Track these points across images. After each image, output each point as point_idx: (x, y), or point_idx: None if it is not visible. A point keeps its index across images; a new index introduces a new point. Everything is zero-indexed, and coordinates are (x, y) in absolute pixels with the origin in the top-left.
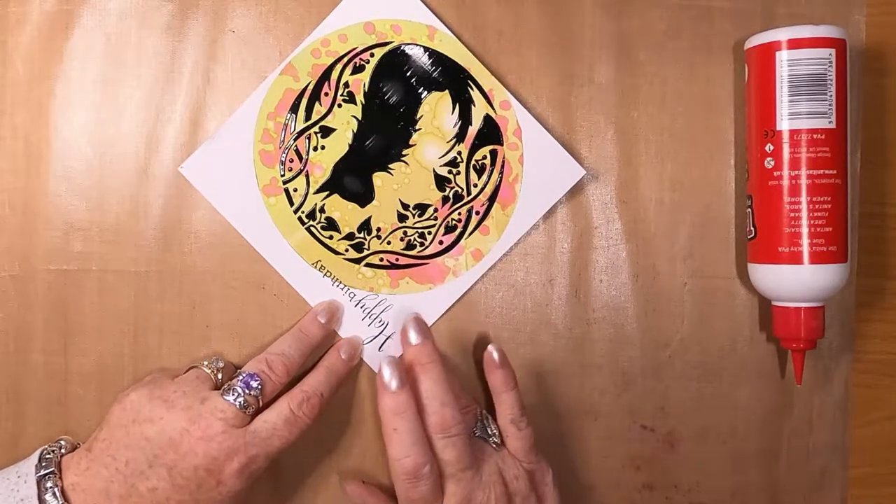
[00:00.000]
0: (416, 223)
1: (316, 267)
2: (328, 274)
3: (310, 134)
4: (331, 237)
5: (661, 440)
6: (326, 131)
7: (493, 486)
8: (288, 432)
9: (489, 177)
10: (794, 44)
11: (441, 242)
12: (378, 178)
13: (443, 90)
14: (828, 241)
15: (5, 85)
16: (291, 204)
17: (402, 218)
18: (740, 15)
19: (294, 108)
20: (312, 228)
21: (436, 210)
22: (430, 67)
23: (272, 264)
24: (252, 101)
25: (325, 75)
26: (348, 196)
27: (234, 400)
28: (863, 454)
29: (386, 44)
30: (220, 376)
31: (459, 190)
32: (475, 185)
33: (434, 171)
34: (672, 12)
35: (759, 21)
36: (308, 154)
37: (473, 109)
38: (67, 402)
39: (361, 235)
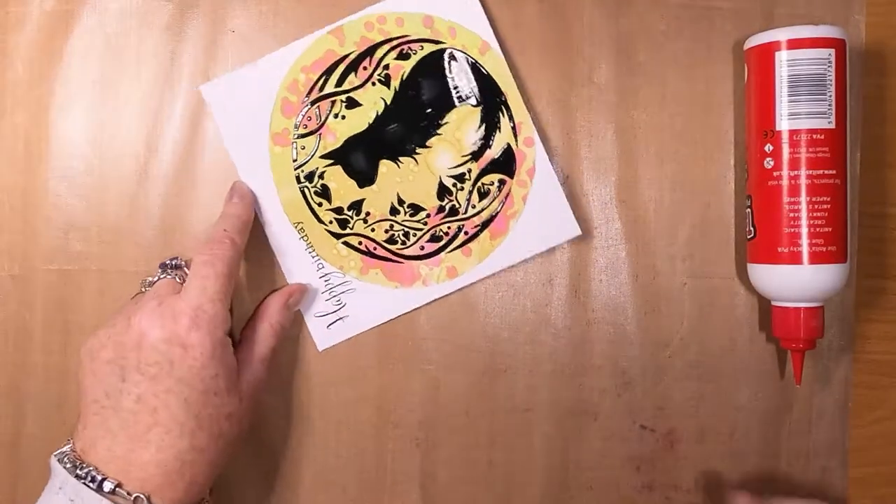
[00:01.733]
0: (404, 221)
1: (296, 227)
2: (305, 237)
3: (335, 100)
4: (320, 204)
5: (661, 440)
6: (352, 103)
7: None
8: (211, 269)
9: (490, 203)
10: (794, 44)
11: (422, 248)
12: (384, 166)
13: (475, 106)
14: (827, 241)
15: (5, 85)
16: (294, 160)
17: (393, 211)
18: (740, 15)
19: (329, 71)
20: (306, 190)
21: (428, 215)
22: (471, 80)
23: (255, 210)
24: (291, 49)
25: (370, 51)
26: (350, 172)
27: (156, 278)
28: (863, 454)
29: (438, 42)
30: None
31: (457, 205)
32: (473, 206)
33: (440, 178)
34: (672, 12)
35: (758, 21)
36: (327, 119)
37: (497, 135)
38: (67, 402)
39: (349, 213)
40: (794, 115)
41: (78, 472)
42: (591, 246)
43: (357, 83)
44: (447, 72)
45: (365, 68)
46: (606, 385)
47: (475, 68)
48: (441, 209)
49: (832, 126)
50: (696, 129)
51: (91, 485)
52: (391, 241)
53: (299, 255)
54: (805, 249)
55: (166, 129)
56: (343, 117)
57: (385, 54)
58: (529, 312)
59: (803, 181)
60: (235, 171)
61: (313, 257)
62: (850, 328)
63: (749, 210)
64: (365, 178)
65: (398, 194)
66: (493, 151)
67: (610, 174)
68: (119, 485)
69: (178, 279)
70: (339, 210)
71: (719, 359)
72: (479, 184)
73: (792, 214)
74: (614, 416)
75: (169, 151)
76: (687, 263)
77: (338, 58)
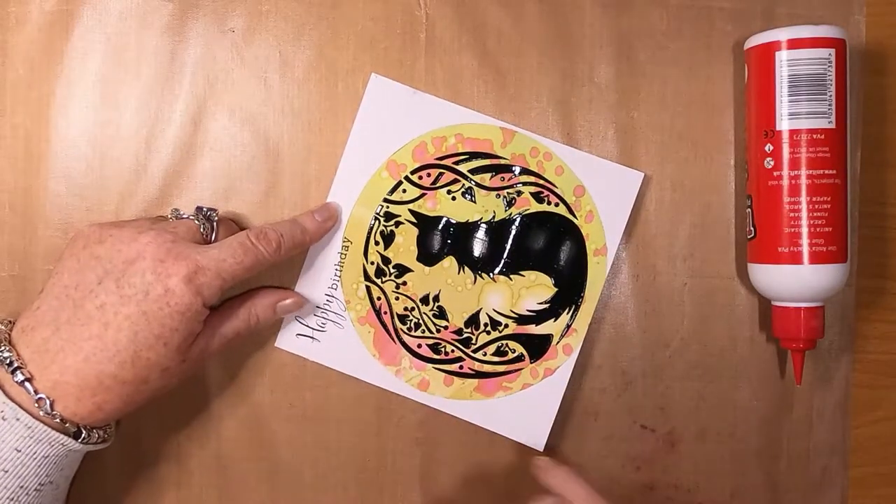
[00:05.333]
0: (425, 313)
1: (343, 242)
2: (343, 255)
3: (460, 181)
4: (377, 243)
5: (661, 440)
6: (470, 196)
7: None
8: (242, 254)
9: (497, 364)
10: (794, 44)
11: (419, 346)
12: (448, 261)
13: (554, 285)
14: (827, 240)
15: (5, 85)
16: (389, 193)
17: (424, 300)
18: (740, 15)
19: (475, 156)
20: (376, 222)
21: (446, 327)
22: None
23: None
24: (463, 113)
25: (519, 170)
26: (420, 242)
27: (186, 216)
28: (863, 454)
29: (571, 216)
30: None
31: (473, 341)
32: (483, 354)
33: (481, 309)
34: (672, 12)
35: (759, 21)
36: (440, 187)
37: (550, 322)
38: None
39: (391, 270)
40: (794, 114)
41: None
42: None
43: (486, 184)
44: (560, 246)
45: (503, 178)
46: (606, 385)
47: (581, 257)
48: (459, 332)
49: (832, 126)
50: (696, 129)
51: (5, 368)
52: (402, 319)
53: (325, 265)
54: (805, 249)
55: (166, 129)
56: (454, 198)
57: (525, 184)
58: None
59: (803, 181)
60: (235, 171)
61: (335, 276)
62: (850, 328)
63: (749, 210)
64: (427, 257)
65: (439, 291)
66: (536, 329)
67: None
68: (29, 379)
69: (202, 229)
70: (386, 260)
71: (719, 359)
72: (503, 342)
73: (792, 214)
74: (614, 416)
75: (169, 151)
76: (687, 263)
77: (491, 153)
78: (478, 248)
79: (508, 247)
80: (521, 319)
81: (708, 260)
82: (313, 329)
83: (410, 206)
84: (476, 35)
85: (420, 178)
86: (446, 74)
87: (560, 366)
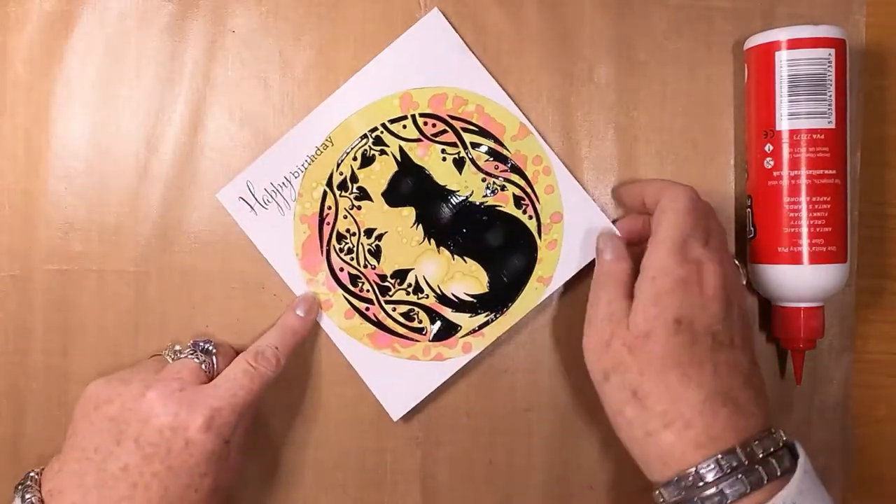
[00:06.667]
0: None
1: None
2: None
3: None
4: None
5: None
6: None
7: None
8: (249, 381)
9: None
10: (794, 44)
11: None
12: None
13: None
14: (827, 241)
15: (5, 85)
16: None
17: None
18: (740, 15)
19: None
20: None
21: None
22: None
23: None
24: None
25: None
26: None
27: (188, 356)
28: (863, 454)
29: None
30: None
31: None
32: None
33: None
34: (672, 12)
35: (759, 21)
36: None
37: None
38: (67, 402)
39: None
40: (794, 115)
41: None
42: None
43: (480, 163)
44: (512, 255)
45: (496, 167)
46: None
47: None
48: (383, 278)
49: (832, 126)
50: (696, 129)
51: None
52: (340, 238)
53: (298, 150)
54: (805, 249)
55: (166, 129)
56: (444, 159)
57: (514, 184)
58: (530, 312)
59: (803, 181)
60: (235, 171)
61: (301, 166)
62: (850, 328)
63: (749, 210)
64: (392, 196)
65: (385, 233)
66: (450, 314)
67: (610, 174)
68: None
69: (204, 367)
70: (354, 178)
71: None
72: (415, 309)
73: (792, 214)
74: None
75: (169, 151)
76: None
77: (499, 139)
78: (441, 214)
79: (467, 229)
80: (442, 299)
81: None
82: (256, 200)
83: (403, 143)
84: (476, 35)
85: (425, 123)
86: None
87: (452, 358)
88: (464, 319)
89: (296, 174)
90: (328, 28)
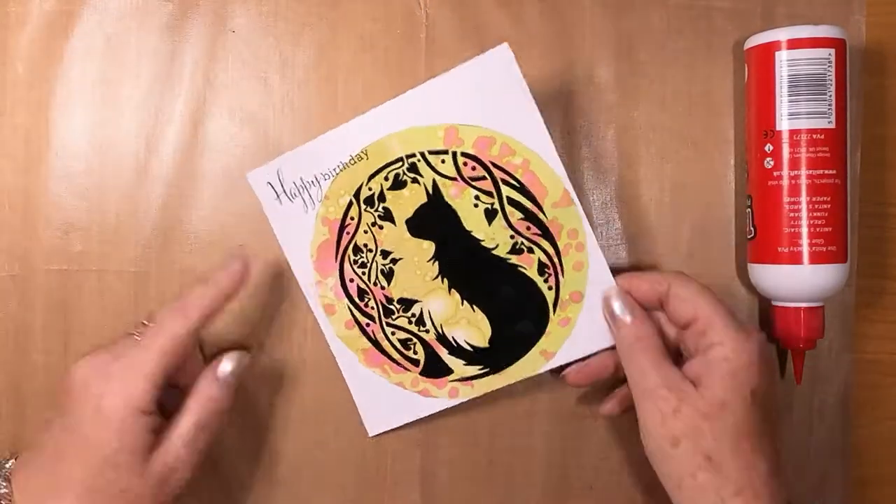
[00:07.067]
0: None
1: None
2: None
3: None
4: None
5: None
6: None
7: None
8: (158, 345)
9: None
10: (794, 44)
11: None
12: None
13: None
14: (827, 241)
15: (5, 85)
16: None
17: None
18: (740, 15)
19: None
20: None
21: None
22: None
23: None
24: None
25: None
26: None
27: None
28: (863, 454)
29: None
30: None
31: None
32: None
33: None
34: (672, 12)
35: (759, 21)
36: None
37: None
38: None
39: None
40: (794, 114)
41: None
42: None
43: (513, 220)
44: (522, 319)
45: (529, 227)
46: (607, 385)
47: None
48: (390, 300)
49: (832, 126)
50: (696, 129)
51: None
52: (356, 250)
53: (333, 154)
54: (805, 249)
55: (166, 129)
56: (476, 206)
57: (542, 249)
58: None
59: (803, 181)
60: (235, 171)
61: (334, 169)
62: (850, 328)
63: (749, 210)
64: (416, 227)
65: (402, 259)
66: (444, 356)
67: (610, 174)
68: None
69: (137, 337)
70: (382, 198)
71: None
72: (414, 341)
73: (792, 214)
74: (614, 416)
75: (169, 151)
76: (687, 263)
77: (539, 203)
78: (461, 258)
79: (483, 279)
80: (442, 339)
81: (708, 260)
82: (284, 190)
83: (438, 178)
84: (476, 35)
85: (465, 163)
86: None
87: (437, 398)
88: (458, 365)
89: (326, 176)
90: (328, 28)
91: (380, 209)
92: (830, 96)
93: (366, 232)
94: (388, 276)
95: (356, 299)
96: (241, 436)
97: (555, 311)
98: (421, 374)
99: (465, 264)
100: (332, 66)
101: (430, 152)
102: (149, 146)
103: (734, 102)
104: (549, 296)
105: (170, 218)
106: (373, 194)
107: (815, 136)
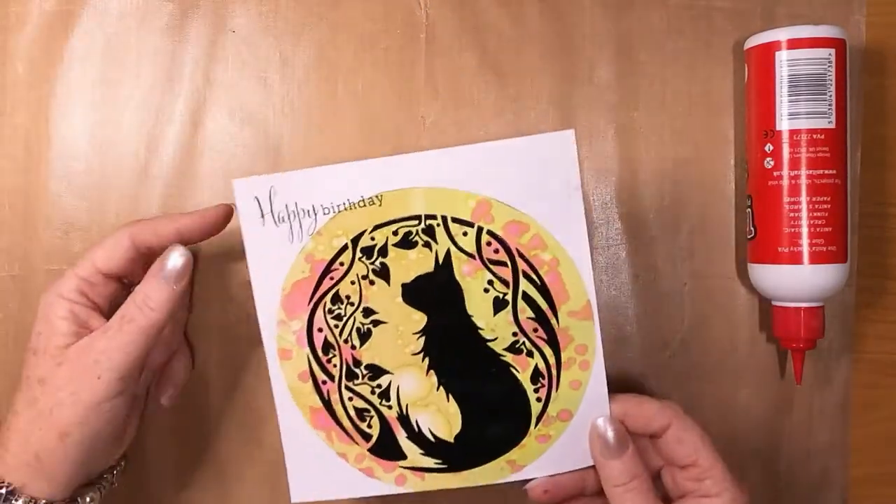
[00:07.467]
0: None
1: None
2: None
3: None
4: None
5: None
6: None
7: None
8: (90, 255)
9: None
10: (794, 44)
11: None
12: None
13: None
14: (827, 241)
15: (5, 85)
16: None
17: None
18: (740, 15)
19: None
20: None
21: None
22: None
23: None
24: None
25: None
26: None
27: None
28: (863, 454)
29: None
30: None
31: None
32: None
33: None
34: (672, 12)
35: (759, 21)
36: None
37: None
38: None
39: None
40: (794, 114)
41: None
42: (591, 246)
43: (521, 318)
44: (496, 423)
45: (536, 330)
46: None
47: None
48: (357, 363)
49: (832, 126)
50: (696, 129)
51: None
52: (335, 299)
53: (341, 190)
54: (805, 249)
55: (166, 129)
56: (487, 291)
57: (542, 354)
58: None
59: (803, 181)
60: (235, 171)
61: (338, 206)
62: (850, 328)
63: (749, 210)
64: (412, 295)
65: (384, 324)
66: (401, 439)
67: (610, 174)
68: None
69: None
70: (383, 253)
71: (719, 359)
72: (371, 413)
73: (792, 214)
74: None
75: (169, 151)
76: (687, 263)
77: (555, 306)
78: (451, 341)
79: (468, 371)
80: (404, 420)
81: (708, 260)
82: (271, 211)
83: (453, 250)
84: (476, 35)
85: (489, 243)
86: (446, 74)
87: (380, 481)
88: (413, 452)
89: (327, 210)
90: (328, 28)
91: (377, 263)
92: (830, 96)
93: (353, 283)
94: (364, 336)
95: (319, 352)
96: (241, 436)
97: (536, 425)
98: (370, 450)
99: (455, 348)
100: (332, 66)
101: (454, 220)
102: (149, 146)
103: (734, 102)
104: (535, 408)
105: None
106: (374, 245)
107: (815, 136)
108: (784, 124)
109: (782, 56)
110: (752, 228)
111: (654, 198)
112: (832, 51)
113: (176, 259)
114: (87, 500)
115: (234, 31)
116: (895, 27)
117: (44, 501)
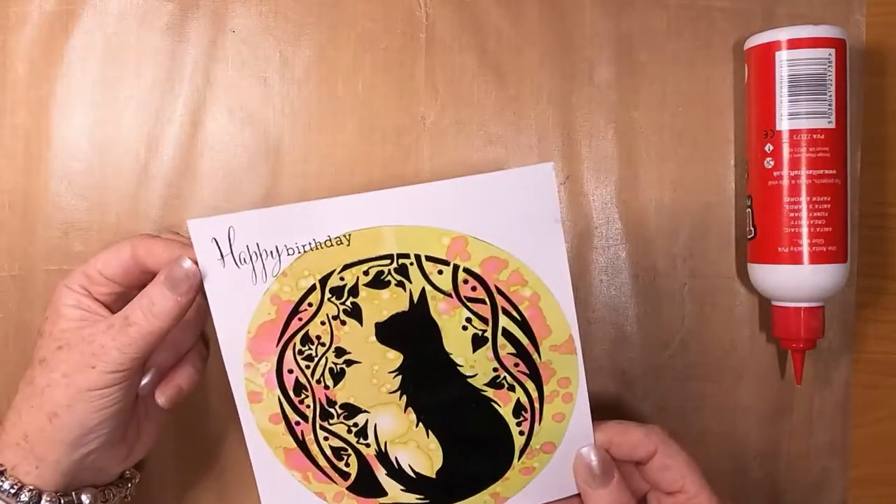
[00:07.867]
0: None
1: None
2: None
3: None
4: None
5: None
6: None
7: None
8: (100, 256)
9: None
10: (794, 44)
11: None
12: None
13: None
14: (828, 241)
15: (5, 85)
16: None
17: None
18: (740, 15)
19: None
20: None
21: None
22: None
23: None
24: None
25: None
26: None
27: None
28: (863, 454)
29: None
30: None
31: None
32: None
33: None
34: (672, 12)
35: (759, 21)
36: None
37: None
38: None
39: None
40: (794, 114)
41: None
42: (591, 246)
43: (501, 353)
44: (480, 456)
45: (517, 364)
46: (607, 385)
47: None
48: (331, 403)
49: (832, 126)
50: (696, 129)
51: None
52: (304, 340)
53: (305, 228)
54: (805, 249)
55: (166, 129)
56: (465, 329)
57: (524, 389)
58: None
59: (803, 181)
60: (235, 171)
61: (303, 246)
62: (850, 328)
63: (749, 210)
64: (386, 333)
65: (358, 364)
66: (381, 476)
67: (610, 174)
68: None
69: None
70: (353, 293)
71: (719, 359)
72: (349, 452)
73: (792, 214)
74: (614, 417)
75: (169, 151)
76: (687, 263)
77: (536, 341)
78: (429, 378)
79: (448, 407)
80: (383, 458)
81: (708, 260)
82: (231, 252)
83: (428, 289)
84: (476, 35)
85: (465, 281)
86: (446, 74)
87: None
88: (394, 489)
89: (291, 251)
90: (328, 28)
91: (348, 304)
92: (830, 96)
93: (323, 324)
94: (338, 377)
95: (290, 393)
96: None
97: (520, 458)
98: (349, 489)
99: (433, 386)
100: (332, 66)
101: (428, 258)
102: (149, 146)
103: (734, 102)
104: (518, 441)
105: (170, 218)
106: (344, 286)
107: (815, 136)
108: (784, 124)
109: (782, 56)
110: (752, 228)
111: (654, 198)
112: (832, 51)
113: (179, 270)
114: (83, 498)
115: (234, 31)
116: (895, 27)
117: (30, 486)
